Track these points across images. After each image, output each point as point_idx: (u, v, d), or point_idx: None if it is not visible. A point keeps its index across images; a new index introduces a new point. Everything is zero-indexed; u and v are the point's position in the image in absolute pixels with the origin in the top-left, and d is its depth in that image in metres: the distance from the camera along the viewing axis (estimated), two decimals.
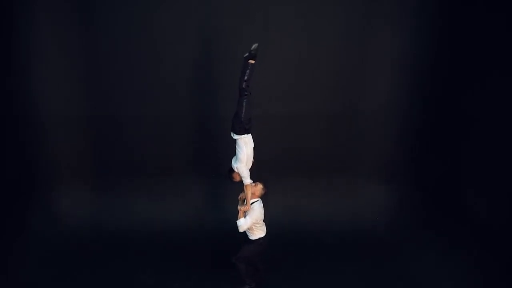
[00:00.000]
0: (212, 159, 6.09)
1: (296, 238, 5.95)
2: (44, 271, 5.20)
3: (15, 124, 5.64)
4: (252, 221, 4.54)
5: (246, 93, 4.33)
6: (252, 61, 4.34)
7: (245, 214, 4.60)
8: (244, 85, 4.33)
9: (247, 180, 4.50)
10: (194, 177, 6.28)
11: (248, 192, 4.53)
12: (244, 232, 4.68)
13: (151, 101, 5.82)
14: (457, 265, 5.21)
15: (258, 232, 4.70)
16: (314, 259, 5.55)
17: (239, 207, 4.71)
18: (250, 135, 4.48)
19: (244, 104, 4.35)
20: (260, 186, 4.65)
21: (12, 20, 5.27)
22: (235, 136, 4.44)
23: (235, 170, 4.50)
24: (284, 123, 6.02)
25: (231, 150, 4.57)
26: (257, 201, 4.65)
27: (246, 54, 4.32)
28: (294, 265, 5.43)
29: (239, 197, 4.81)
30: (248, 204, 4.57)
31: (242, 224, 4.53)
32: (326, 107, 5.97)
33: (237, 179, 4.58)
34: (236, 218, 4.61)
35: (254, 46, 4.31)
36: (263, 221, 4.72)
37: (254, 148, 4.52)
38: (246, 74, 4.34)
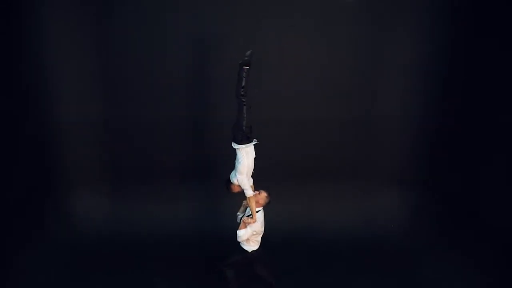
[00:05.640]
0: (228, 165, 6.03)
1: (309, 245, 5.84)
2: (56, 274, 5.16)
3: (31, 127, 5.59)
4: (252, 232, 4.40)
5: (243, 100, 4.24)
6: (247, 67, 4.24)
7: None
8: (241, 92, 4.24)
9: (249, 192, 4.36)
10: (212, 182, 6.15)
11: (252, 204, 4.38)
12: None
13: (168, 105, 5.79)
14: (473, 276, 5.07)
15: (253, 243, 4.54)
16: (327, 266, 5.44)
17: (239, 214, 4.64)
18: (252, 145, 4.34)
19: (244, 112, 4.26)
20: (264, 194, 4.48)
21: (36, 24, 5.29)
22: (235, 146, 4.30)
23: (234, 182, 4.38)
24: (297, 128, 5.94)
25: None
26: (259, 210, 4.50)
27: (241, 61, 4.24)
28: (306, 273, 5.32)
29: (243, 203, 4.69)
30: (254, 216, 4.41)
31: (242, 235, 4.39)
32: (340, 112, 5.90)
33: (236, 190, 4.46)
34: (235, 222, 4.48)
35: (249, 52, 4.24)
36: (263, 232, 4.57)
37: (254, 159, 4.39)
38: (243, 80, 4.25)
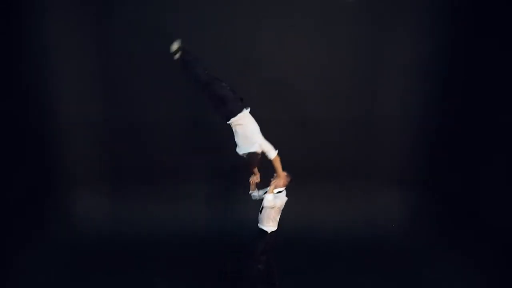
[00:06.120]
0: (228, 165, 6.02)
1: (309, 245, 5.85)
2: (56, 274, 5.15)
3: (31, 127, 5.58)
4: (277, 204, 4.36)
5: (211, 76, 4.29)
6: (185, 53, 4.32)
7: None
8: (205, 72, 4.29)
9: (272, 152, 4.25)
10: (212, 182, 6.22)
11: (278, 164, 4.31)
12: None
13: (168, 105, 5.79)
14: (473, 276, 5.07)
15: (273, 223, 4.52)
16: (327, 266, 5.44)
17: (251, 192, 4.62)
18: (247, 110, 4.28)
19: (222, 85, 4.28)
20: (283, 174, 4.50)
21: (36, 24, 5.29)
22: (235, 118, 4.21)
23: (257, 149, 4.20)
24: (297, 128, 5.95)
25: None
26: (282, 190, 4.49)
27: (176, 55, 4.31)
28: (306, 273, 5.32)
29: (251, 182, 4.62)
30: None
31: (270, 200, 4.30)
32: (340, 112, 5.90)
33: (257, 163, 4.33)
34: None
35: (175, 44, 4.31)
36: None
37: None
38: (197, 63, 4.30)
